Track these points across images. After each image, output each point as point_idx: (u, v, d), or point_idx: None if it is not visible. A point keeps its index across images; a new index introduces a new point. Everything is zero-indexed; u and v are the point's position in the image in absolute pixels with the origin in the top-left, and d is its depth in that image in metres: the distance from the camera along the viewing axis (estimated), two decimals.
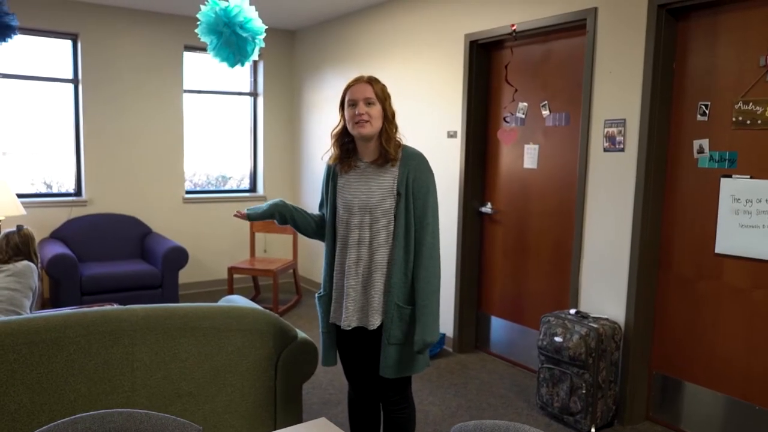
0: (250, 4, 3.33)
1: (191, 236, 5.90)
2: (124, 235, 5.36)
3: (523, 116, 3.94)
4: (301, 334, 2.58)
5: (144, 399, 2.22)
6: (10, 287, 2.89)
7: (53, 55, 5.28)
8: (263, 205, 2.42)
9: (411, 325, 2.24)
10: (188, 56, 5.84)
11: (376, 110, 2.21)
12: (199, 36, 3.31)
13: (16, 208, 4.70)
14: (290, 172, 6.51)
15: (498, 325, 4.28)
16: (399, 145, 2.27)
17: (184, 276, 5.77)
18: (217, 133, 6.23)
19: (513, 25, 3.75)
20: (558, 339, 3.22)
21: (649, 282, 3.27)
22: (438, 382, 3.85)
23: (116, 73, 5.43)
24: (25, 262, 3.03)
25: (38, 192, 5.40)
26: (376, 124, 2.21)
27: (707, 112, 3.01)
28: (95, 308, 2.20)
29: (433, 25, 4.46)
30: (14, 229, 3.09)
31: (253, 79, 6.34)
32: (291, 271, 5.97)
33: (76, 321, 2.11)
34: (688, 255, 3.15)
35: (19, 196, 4.99)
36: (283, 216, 2.40)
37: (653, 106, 3.12)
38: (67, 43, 5.30)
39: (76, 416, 1.28)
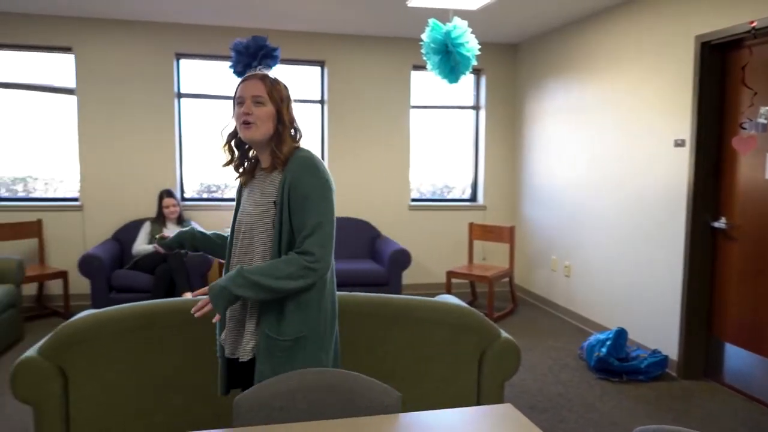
0: (471, 23, 3.59)
1: (415, 240, 6.38)
2: (358, 237, 6.04)
3: (765, 122, 3.54)
4: (505, 334, 2.72)
5: None
6: None
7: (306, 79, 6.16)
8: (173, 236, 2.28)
9: (285, 362, 1.87)
10: (415, 75, 6.34)
11: (265, 111, 1.91)
12: (424, 56, 3.67)
13: None
14: (510, 182, 6.63)
15: (733, 353, 3.88)
16: (292, 150, 1.95)
17: (408, 277, 6.25)
18: (442, 145, 6.63)
19: (752, 22, 3.41)
20: None
21: None
22: (656, 405, 3.64)
23: (353, 94, 6.14)
24: None
25: None
26: (264, 128, 1.91)
27: None
28: None
29: (658, 29, 4.24)
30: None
31: (476, 93, 6.61)
32: (507, 279, 6.08)
33: None
34: None
35: None
36: (189, 243, 2.24)
37: None
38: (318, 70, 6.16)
39: (304, 370, 1.61)
